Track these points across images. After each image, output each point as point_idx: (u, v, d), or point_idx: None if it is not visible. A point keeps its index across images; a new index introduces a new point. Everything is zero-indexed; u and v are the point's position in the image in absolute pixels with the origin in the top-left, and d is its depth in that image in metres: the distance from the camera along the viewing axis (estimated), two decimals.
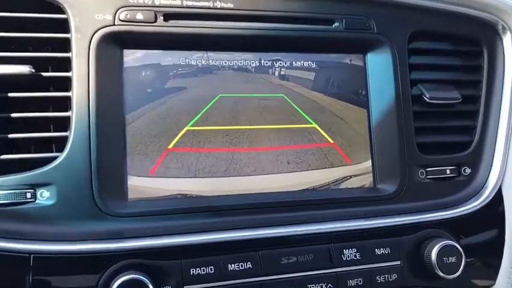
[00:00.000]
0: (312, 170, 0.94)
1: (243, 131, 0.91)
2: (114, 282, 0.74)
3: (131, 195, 0.84)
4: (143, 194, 0.84)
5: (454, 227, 0.97)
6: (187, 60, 0.90)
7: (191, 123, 0.89)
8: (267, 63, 0.94)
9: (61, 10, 0.84)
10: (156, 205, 0.84)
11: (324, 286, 0.85)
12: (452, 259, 0.90)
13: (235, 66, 0.93)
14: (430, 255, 0.90)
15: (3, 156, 0.79)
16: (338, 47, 0.98)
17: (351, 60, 0.99)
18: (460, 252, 0.91)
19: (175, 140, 0.87)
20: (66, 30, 0.84)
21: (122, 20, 0.85)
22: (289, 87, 0.95)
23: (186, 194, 0.87)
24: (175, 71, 0.89)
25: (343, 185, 0.95)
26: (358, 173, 0.96)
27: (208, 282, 0.80)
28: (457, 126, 1.05)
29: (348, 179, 0.96)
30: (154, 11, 0.87)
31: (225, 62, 0.92)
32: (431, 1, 1.02)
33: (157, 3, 0.87)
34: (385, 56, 0.99)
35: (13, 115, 0.80)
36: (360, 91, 0.99)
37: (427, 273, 0.91)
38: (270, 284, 0.83)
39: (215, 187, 0.88)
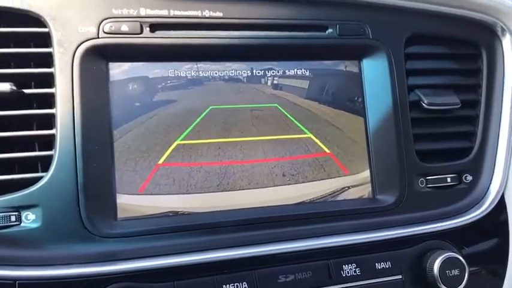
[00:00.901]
0: (309, 182, 0.91)
1: (235, 144, 0.88)
2: None
3: (121, 214, 0.81)
4: (133, 212, 0.81)
5: (456, 238, 0.94)
6: (176, 72, 0.87)
7: (182, 137, 0.86)
8: (259, 72, 0.91)
9: (42, 23, 0.81)
10: (146, 224, 0.81)
11: None
12: (455, 272, 0.87)
13: (226, 77, 0.90)
14: (432, 269, 0.87)
15: None
16: (332, 53, 0.95)
17: (346, 67, 0.96)
18: (463, 264, 0.88)
19: (166, 155, 0.84)
20: (48, 44, 0.81)
21: (106, 32, 0.82)
22: (282, 97, 0.92)
23: (178, 211, 0.84)
24: (163, 84, 0.86)
25: (341, 197, 0.92)
26: (356, 183, 0.93)
27: None
28: (456, 132, 1.02)
29: (346, 190, 0.93)
30: (140, 21, 0.84)
31: (216, 73, 0.89)
32: (428, 4, 0.99)
33: (142, 13, 0.85)
34: (381, 61, 0.96)
35: None
36: (356, 98, 0.96)
37: (430, 287, 0.88)
38: None
39: (208, 203, 0.85)
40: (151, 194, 0.83)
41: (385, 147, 0.95)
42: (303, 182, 0.91)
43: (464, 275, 0.88)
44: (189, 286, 0.77)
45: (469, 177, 1.00)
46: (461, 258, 0.89)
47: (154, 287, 0.76)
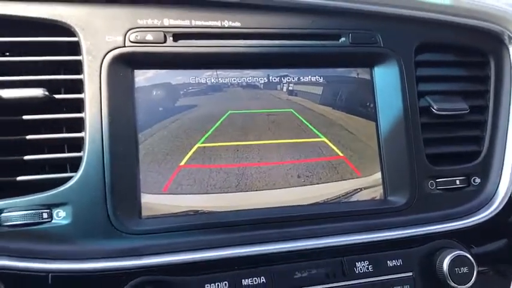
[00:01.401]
0: (323, 183, 0.94)
1: (253, 147, 0.92)
2: None
3: (145, 212, 0.85)
4: (156, 211, 0.86)
5: (465, 237, 0.97)
6: (197, 78, 0.92)
7: (202, 140, 0.90)
8: (275, 79, 0.96)
9: (72, 33, 0.86)
10: (169, 222, 0.85)
11: None
12: (464, 269, 0.90)
13: (244, 83, 0.94)
14: (442, 266, 0.90)
15: (21, 178, 0.80)
16: (345, 61, 0.99)
17: (358, 74, 1.00)
18: (472, 263, 0.91)
19: (187, 157, 0.89)
20: (78, 52, 0.86)
21: (132, 41, 0.87)
22: (297, 102, 0.96)
23: (198, 210, 0.88)
24: (185, 90, 0.91)
25: (353, 198, 0.96)
26: (368, 185, 0.97)
27: None
28: (465, 136, 1.06)
29: (359, 191, 0.96)
30: (164, 31, 0.89)
31: (234, 80, 0.94)
32: (437, 14, 1.03)
33: (166, 23, 0.89)
34: (392, 69, 1.00)
35: (28, 137, 0.82)
36: (368, 104, 1.00)
37: (440, 283, 0.91)
38: None
39: (227, 202, 0.89)
40: (174, 194, 0.87)
41: (396, 150, 0.98)
42: (317, 184, 0.94)
43: (473, 273, 0.91)
44: (210, 280, 0.81)
45: (478, 180, 1.03)
46: (470, 256, 0.91)
47: (177, 281, 0.80)
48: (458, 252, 0.91)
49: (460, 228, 0.97)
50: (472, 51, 1.08)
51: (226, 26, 0.92)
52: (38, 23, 0.85)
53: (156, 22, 0.89)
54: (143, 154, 0.86)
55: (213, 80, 0.93)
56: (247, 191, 0.90)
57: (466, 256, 0.91)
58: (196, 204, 0.88)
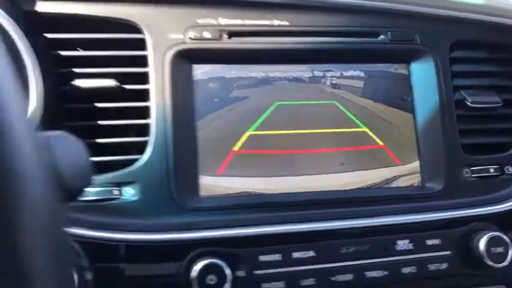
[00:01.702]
0: (364, 170, 1.01)
1: (299, 135, 1.00)
2: (195, 265, 0.83)
3: (202, 192, 0.93)
4: (213, 191, 0.93)
5: (500, 221, 1.01)
6: (248, 72, 1.00)
7: (253, 128, 0.98)
8: (319, 73, 1.03)
9: (138, 30, 0.95)
10: (225, 201, 0.92)
11: (380, 273, 0.93)
12: (500, 249, 0.95)
13: (291, 77, 1.02)
14: (479, 246, 0.95)
15: (93, 159, 0.88)
16: (384, 57, 1.06)
17: (396, 69, 1.06)
18: (507, 243, 0.96)
19: (240, 143, 0.96)
20: (143, 47, 0.95)
21: (191, 38, 0.95)
22: (340, 95, 1.03)
23: (251, 192, 0.95)
24: (238, 83, 0.99)
25: (393, 184, 1.02)
26: (407, 172, 1.03)
27: (276, 268, 0.88)
28: (498, 128, 1.11)
29: (398, 178, 1.02)
30: (219, 29, 0.97)
31: (282, 74, 1.01)
32: (471, 13, 1.09)
33: (221, 23, 0.98)
34: (428, 65, 1.06)
35: (102, 122, 0.91)
36: (406, 97, 1.06)
37: (476, 262, 0.96)
38: (330, 270, 0.91)
39: (277, 185, 0.96)
40: (228, 176, 0.95)
41: (433, 141, 1.04)
42: (359, 170, 1.01)
43: (509, 252, 0.95)
44: (264, 252, 0.88)
45: (511, 169, 1.08)
46: (505, 237, 0.96)
47: (235, 252, 0.87)
48: (494, 233, 0.96)
49: (495, 213, 1.02)
50: (505, 48, 1.14)
51: (275, 24, 1.00)
52: (107, 21, 0.94)
53: (213, 21, 0.97)
54: (201, 140, 0.95)
55: (262, 74, 1.00)
56: (294, 175, 0.97)
57: (501, 237, 0.96)
58: (248, 186, 0.95)
